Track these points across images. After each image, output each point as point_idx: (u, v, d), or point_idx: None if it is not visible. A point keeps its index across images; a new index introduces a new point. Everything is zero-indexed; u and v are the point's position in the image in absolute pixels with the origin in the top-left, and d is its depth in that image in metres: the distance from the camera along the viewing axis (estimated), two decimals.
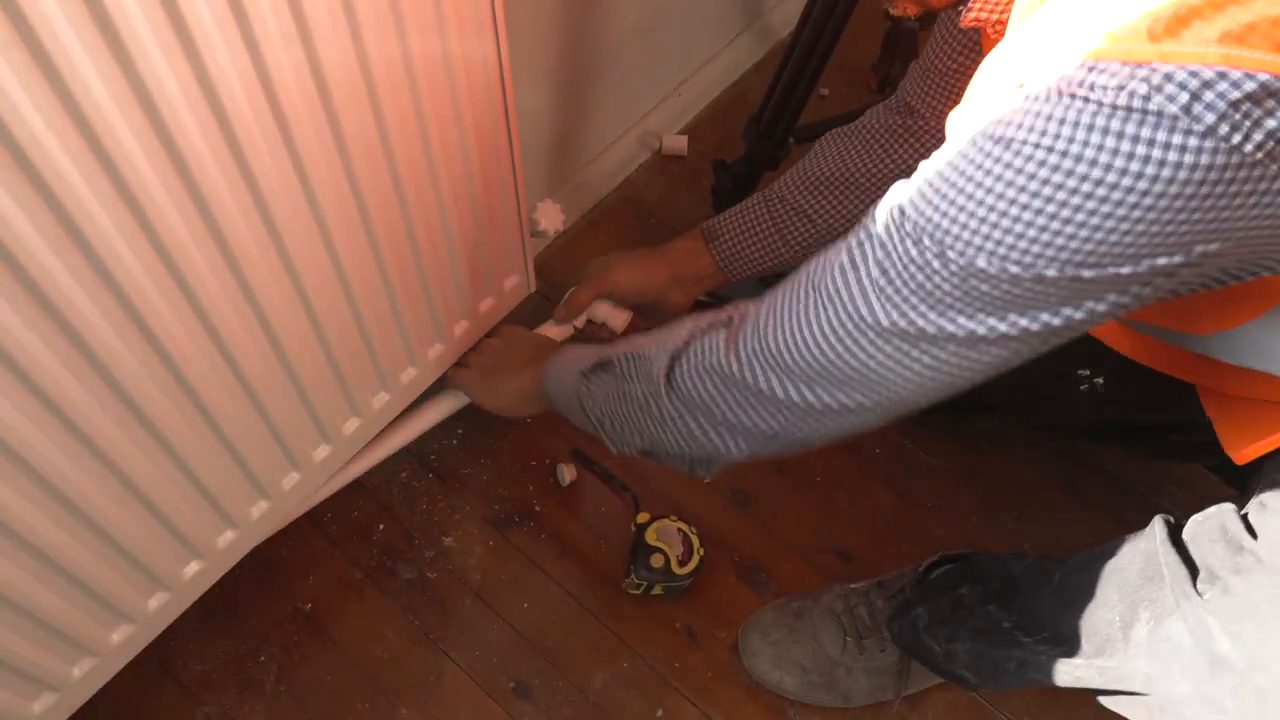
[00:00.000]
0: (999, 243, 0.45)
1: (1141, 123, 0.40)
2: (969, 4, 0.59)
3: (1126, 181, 0.41)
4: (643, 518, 0.97)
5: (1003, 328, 0.50)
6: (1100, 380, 0.83)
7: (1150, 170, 0.40)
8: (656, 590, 0.96)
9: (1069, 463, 1.09)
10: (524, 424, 1.08)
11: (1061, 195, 0.43)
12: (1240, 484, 0.67)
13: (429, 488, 1.03)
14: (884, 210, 0.52)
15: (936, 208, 0.47)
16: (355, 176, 0.66)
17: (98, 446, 0.61)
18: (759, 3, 1.40)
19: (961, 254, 0.47)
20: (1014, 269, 0.46)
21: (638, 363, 0.70)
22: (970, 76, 0.56)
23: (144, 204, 0.54)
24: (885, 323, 0.52)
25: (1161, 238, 0.43)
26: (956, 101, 0.56)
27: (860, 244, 0.53)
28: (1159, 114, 0.39)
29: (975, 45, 0.81)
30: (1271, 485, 0.60)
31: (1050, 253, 0.45)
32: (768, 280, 0.82)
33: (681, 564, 0.95)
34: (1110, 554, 0.71)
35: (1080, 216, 0.43)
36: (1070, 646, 0.72)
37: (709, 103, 1.39)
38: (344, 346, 0.78)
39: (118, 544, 0.68)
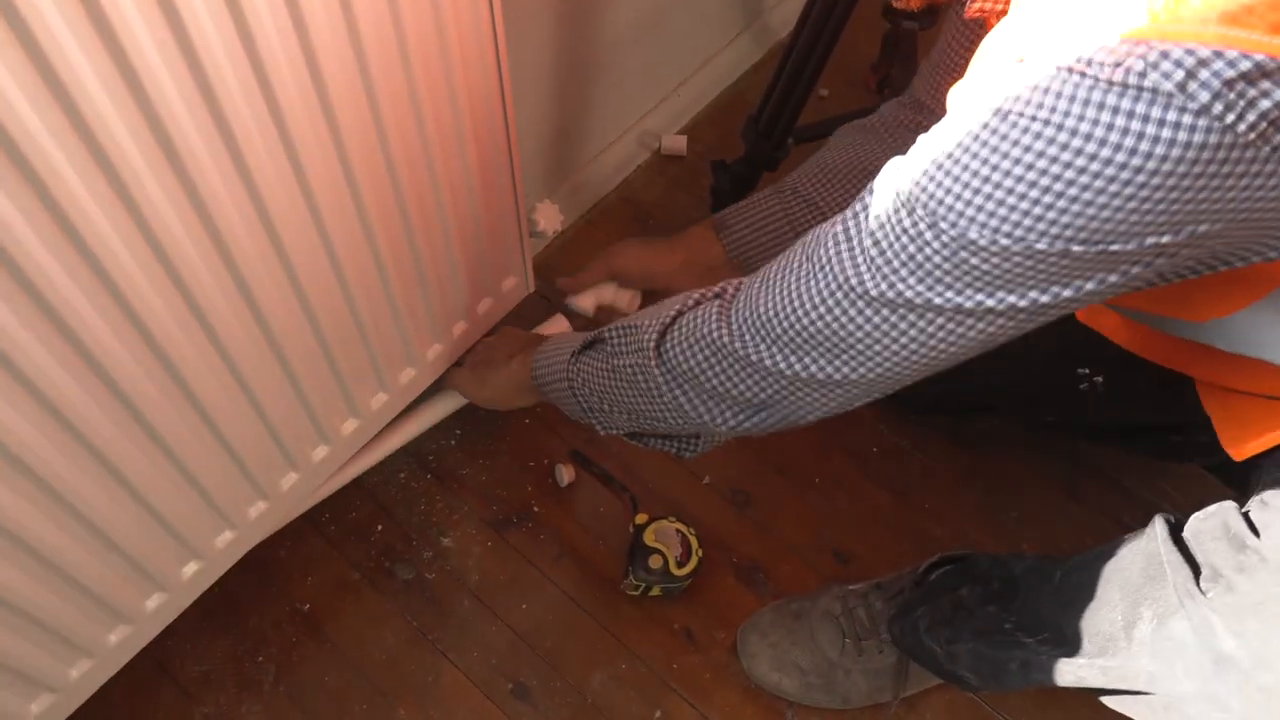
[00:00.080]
0: (991, 214, 0.46)
1: (1137, 99, 0.40)
2: None
3: (1120, 157, 0.41)
4: (641, 519, 0.97)
5: (990, 303, 0.50)
6: (1100, 379, 0.84)
7: (1144, 146, 0.40)
8: (655, 591, 0.96)
9: (1069, 463, 1.08)
10: (522, 424, 1.07)
11: (1055, 168, 0.43)
12: (1239, 484, 0.67)
13: (427, 488, 1.03)
14: (880, 182, 0.52)
15: (931, 178, 0.48)
16: (353, 176, 0.66)
17: (95, 447, 0.61)
18: (758, 3, 1.40)
19: (954, 225, 0.47)
20: (1004, 240, 0.46)
21: (628, 334, 0.71)
22: None
23: (140, 202, 0.53)
24: (874, 292, 0.53)
25: (1153, 215, 0.43)
26: None
27: (855, 215, 0.54)
28: (1154, 91, 0.39)
29: (982, 39, 0.81)
30: (1272, 483, 0.60)
31: (1041, 225, 0.45)
32: None
33: (680, 565, 0.95)
34: (1111, 554, 0.71)
35: (1073, 190, 0.43)
36: (1072, 646, 0.71)
37: (708, 103, 1.39)
38: (342, 347, 0.77)
39: (115, 544, 0.68)
